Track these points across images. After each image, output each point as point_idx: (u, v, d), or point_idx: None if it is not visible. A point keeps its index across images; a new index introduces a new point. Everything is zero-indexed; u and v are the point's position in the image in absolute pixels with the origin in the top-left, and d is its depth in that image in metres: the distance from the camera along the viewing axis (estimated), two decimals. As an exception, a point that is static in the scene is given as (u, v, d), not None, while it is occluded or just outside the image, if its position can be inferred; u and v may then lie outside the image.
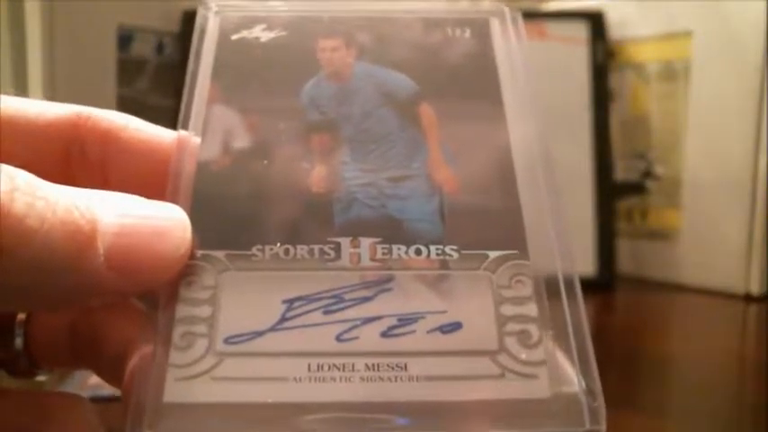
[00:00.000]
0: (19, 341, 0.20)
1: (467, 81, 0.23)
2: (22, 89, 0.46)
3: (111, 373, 0.19)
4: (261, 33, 0.23)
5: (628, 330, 0.45)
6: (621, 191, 0.57)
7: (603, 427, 0.16)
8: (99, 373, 0.21)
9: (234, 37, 0.23)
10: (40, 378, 0.22)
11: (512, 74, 0.22)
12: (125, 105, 0.51)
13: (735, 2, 0.50)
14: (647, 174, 0.56)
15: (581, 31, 0.55)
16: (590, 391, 0.17)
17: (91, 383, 0.30)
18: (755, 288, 0.50)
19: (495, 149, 0.21)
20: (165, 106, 0.53)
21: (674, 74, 0.54)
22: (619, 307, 0.52)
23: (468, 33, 0.24)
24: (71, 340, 0.20)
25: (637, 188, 0.56)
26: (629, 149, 0.57)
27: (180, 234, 0.18)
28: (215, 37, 0.23)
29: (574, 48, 0.55)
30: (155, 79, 0.53)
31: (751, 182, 0.50)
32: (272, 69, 0.23)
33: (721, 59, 0.51)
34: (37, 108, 0.20)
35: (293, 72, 0.22)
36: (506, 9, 0.24)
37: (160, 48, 0.54)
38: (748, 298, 0.50)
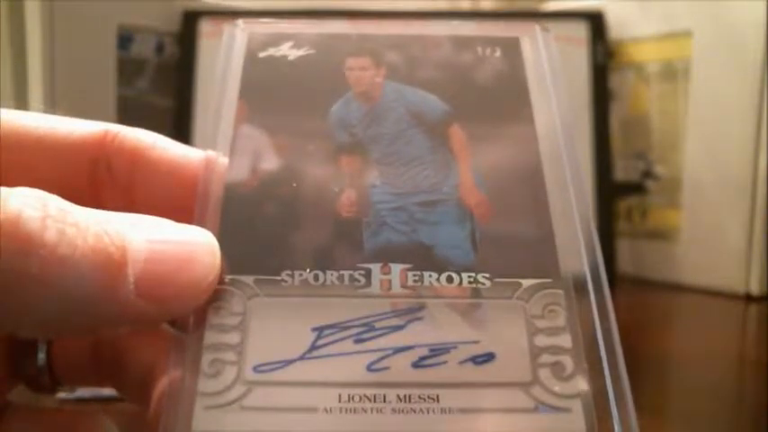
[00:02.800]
0: (42, 358, 0.20)
1: (498, 102, 0.22)
2: (21, 89, 0.46)
3: (136, 394, 0.19)
4: (288, 51, 0.23)
5: (627, 330, 0.45)
6: (621, 191, 0.57)
7: None
8: (122, 393, 0.20)
9: (261, 55, 0.23)
10: (62, 395, 0.22)
11: (543, 94, 0.22)
12: (125, 105, 0.51)
13: (735, 2, 0.50)
14: (647, 174, 0.56)
15: (581, 31, 0.55)
16: (626, 427, 0.16)
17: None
18: (755, 288, 0.50)
19: (526, 173, 0.20)
20: (165, 106, 0.53)
21: (673, 74, 0.54)
22: (619, 307, 0.52)
23: (498, 53, 0.23)
24: (94, 359, 0.20)
25: (637, 188, 0.56)
26: (629, 149, 0.57)
27: (209, 260, 0.17)
28: (242, 54, 0.23)
29: (574, 48, 0.55)
30: (155, 79, 0.53)
31: (751, 182, 0.50)
32: (300, 88, 0.22)
33: (721, 59, 0.51)
34: (66, 126, 0.20)
35: (321, 91, 0.22)
36: (537, 27, 0.23)
37: (160, 48, 0.54)
38: (748, 298, 0.50)
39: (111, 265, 0.16)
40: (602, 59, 0.55)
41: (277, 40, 0.23)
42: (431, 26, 0.24)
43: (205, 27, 0.54)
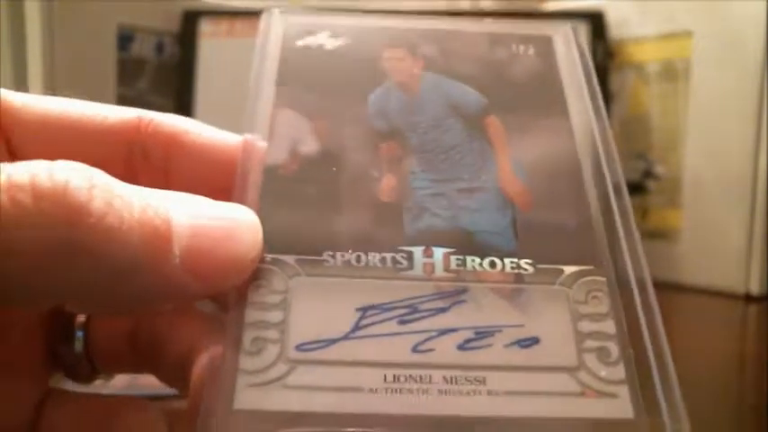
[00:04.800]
0: (79, 345, 0.20)
1: (533, 96, 0.22)
2: (22, 89, 0.46)
3: (174, 376, 0.19)
4: (325, 40, 0.23)
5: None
6: (622, 191, 0.57)
7: None
8: (160, 378, 0.20)
9: (299, 43, 0.23)
10: (100, 382, 0.22)
11: (576, 90, 0.22)
12: (125, 105, 0.51)
13: (735, 2, 0.50)
14: (647, 174, 0.56)
15: (581, 31, 0.55)
16: (673, 414, 0.16)
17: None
18: (755, 288, 0.50)
19: (564, 164, 0.21)
20: (165, 106, 0.53)
21: (674, 74, 0.54)
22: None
23: (531, 50, 0.23)
24: (132, 344, 0.20)
25: (637, 188, 0.56)
26: (629, 149, 0.57)
27: (251, 236, 0.17)
28: (279, 42, 0.23)
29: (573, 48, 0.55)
30: (155, 79, 0.53)
31: (751, 182, 0.50)
32: (338, 76, 0.22)
33: (721, 59, 0.51)
34: (101, 111, 0.20)
35: (359, 80, 0.22)
36: (569, 26, 0.24)
37: (160, 48, 0.54)
38: (748, 298, 0.50)
39: (157, 238, 0.16)
40: (602, 59, 0.55)
41: (314, 29, 0.23)
42: (465, 22, 0.24)
43: (205, 27, 0.54)
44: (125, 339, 0.20)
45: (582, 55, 0.23)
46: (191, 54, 0.53)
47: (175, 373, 0.19)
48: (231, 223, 0.17)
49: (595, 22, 0.56)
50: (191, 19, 0.54)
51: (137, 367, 0.21)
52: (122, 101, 0.50)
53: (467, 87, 0.22)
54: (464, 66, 0.23)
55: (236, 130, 0.21)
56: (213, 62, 0.53)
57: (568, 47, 0.23)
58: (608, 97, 0.56)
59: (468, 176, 0.20)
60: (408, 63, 0.23)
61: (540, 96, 0.22)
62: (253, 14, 0.55)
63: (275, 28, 0.23)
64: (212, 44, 0.53)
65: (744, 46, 0.50)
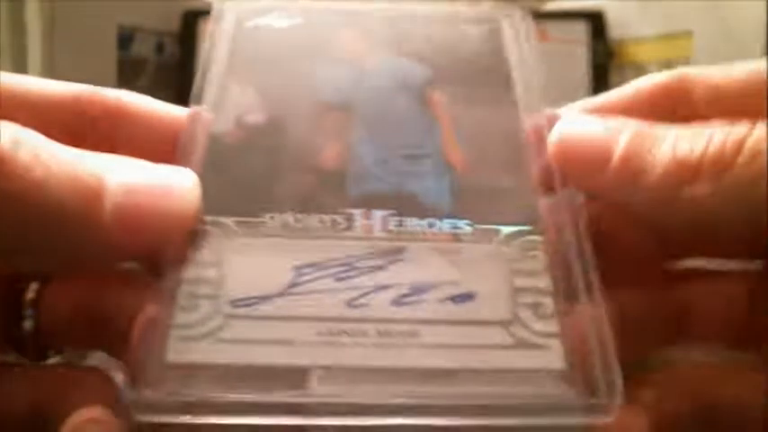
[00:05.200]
0: (29, 323, 0.20)
1: (478, 71, 0.23)
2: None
3: (122, 350, 0.19)
4: (277, 21, 0.24)
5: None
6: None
7: (619, 400, 0.16)
8: (111, 353, 0.20)
9: (250, 23, 0.24)
10: (52, 360, 0.22)
11: (522, 69, 0.23)
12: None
13: (735, 2, 0.50)
14: (648, 174, 0.56)
15: (581, 31, 0.55)
16: (605, 365, 0.17)
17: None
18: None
19: (506, 130, 0.21)
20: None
21: (674, 74, 0.54)
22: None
23: (479, 30, 0.24)
24: (83, 321, 0.20)
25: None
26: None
27: (188, 194, 0.18)
28: (231, 24, 0.23)
29: (574, 48, 0.55)
30: (155, 79, 0.53)
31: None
32: (288, 53, 0.23)
33: (721, 59, 0.51)
34: (43, 84, 0.20)
35: (308, 56, 0.23)
36: (518, 12, 0.25)
37: (160, 48, 0.54)
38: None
39: (87, 192, 0.16)
40: (602, 59, 0.55)
41: (265, 11, 0.24)
42: (417, 7, 0.25)
43: (205, 27, 0.54)
44: (76, 316, 0.20)
45: (528, 38, 0.24)
46: (191, 54, 0.53)
47: (124, 345, 0.19)
48: (167, 181, 0.17)
49: (595, 22, 0.55)
50: (191, 19, 0.54)
51: (88, 344, 0.21)
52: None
53: (413, 63, 0.23)
54: (412, 44, 0.24)
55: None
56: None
57: (516, 30, 0.24)
58: (608, 97, 0.56)
59: (412, 144, 0.21)
60: (358, 41, 0.24)
61: (485, 71, 0.23)
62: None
63: (227, 14, 0.24)
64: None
65: (744, 46, 0.50)
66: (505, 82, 0.23)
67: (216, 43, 0.23)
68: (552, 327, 0.17)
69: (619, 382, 0.16)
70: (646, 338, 0.19)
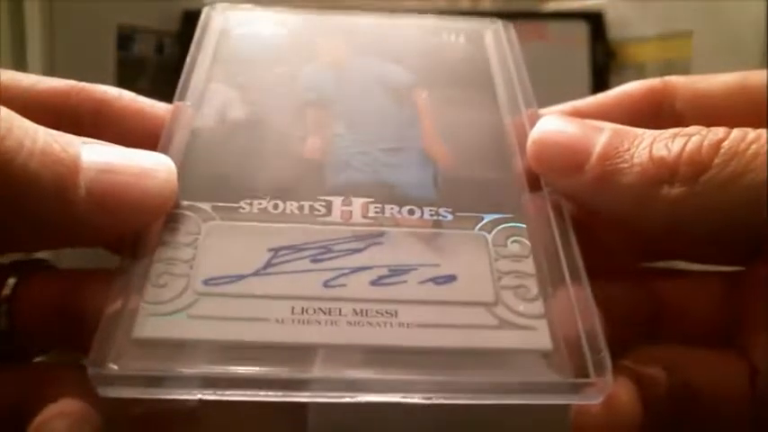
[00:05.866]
0: (4, 322, 0.20)
1: (461, 75, 0.24)
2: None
3: None
4: (262, 28, 0.24)
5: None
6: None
7: (610, 378, 0.16)
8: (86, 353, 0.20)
9: (236, 31, 0.24)
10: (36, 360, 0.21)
11: (504, 73, 0.23)
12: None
13: (735, 2, 0.50)
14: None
15: (581, 31, 0.55)
16: (593, 344, 0.16)
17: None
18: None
19: (489, 129, 0.21)
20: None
21: (674, 74, 0.54)
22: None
23: (462, 39, 0.25)
24: (59, 322, 0.20)
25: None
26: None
27: (164, 176, 0.18)
28: (217, 30, 0.24)
29: (573, 48, 0.55)
30: (155, 79, 0.53)
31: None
32: (271, 57, 0.23)
33: (721, 60, 0.51)
34: (30, 80, 0.20)
35: (291, 59, 0.23)
36: (500, 22, 0.25)
37: (160, 48, 0.54)
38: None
39: (60, 167, 0.16)
40: (602, 60, 0.55)
41: (251, 19, 0.25)
42: (402, 19, 0.26)
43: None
44: (51, 315, 0.20)
45: (512, 46, 0.24)
46: (191, 54, 0.53)
47: None
48: (144, 163, 0.17)
49: (595, 22, 0.55)
50: (191, 19, 0.54)
51: (64, 343, 0.21)
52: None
53: (396, 66, 0.23)
54: (395, 50, 0.24)
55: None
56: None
57: (498, 40, 0.25)
58: (608, 98, 0.56)
59: (393, 138, 0.21)
60: (341, 46, 0.24)
61: (468, 75, 0.24)
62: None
63: (215, 20, 0.24)
64: (212, 44, 0.53)
65: (744, 46, 0.50)
66: (488, 85, 0.23)
67: (201, 45, 0.23)
68: (537, 308, 0.17)
69: (608, 360, 0.16)
70: (621, 335, 0.19)
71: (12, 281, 0.20)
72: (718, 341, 0.20)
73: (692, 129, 0.18)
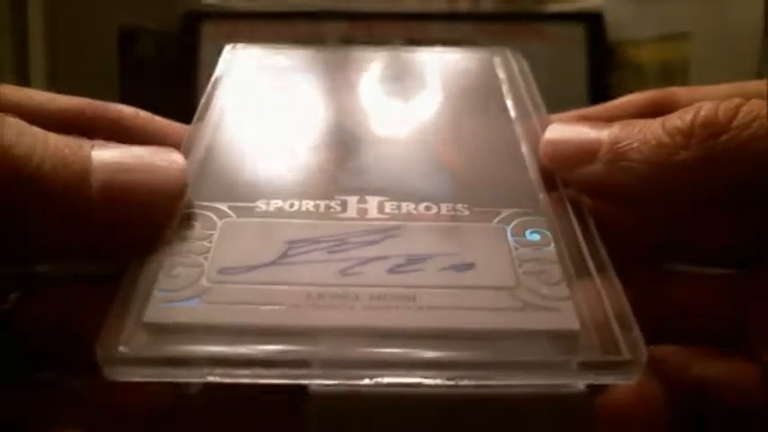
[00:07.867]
0: (4, 336, 0.20)
1: (472, 95, 0.25)
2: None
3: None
4: (280, 61, 0.26)
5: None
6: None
7: (644, 356, 0.15)
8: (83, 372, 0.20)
9: (255, 66, 0.25)
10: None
11: (516, 93, 0.24)
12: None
13: (732, 4, 0.51)
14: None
15: (579, 32, 0.55)
16: (623, 323, 0.16)
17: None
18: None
19: (501, 139, 0.22)
20: (166, 108, 0.53)
21: (672, 75, 0.54)
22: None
23: (473, 64, 0.26)
24: (59, 339, 0.19)
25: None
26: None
27: (177, 173, 0.18)
28: (239, 65, 0.25)
29: (572, 49, 0.55)
30: (156, 81, 0.54)
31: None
32: (290, 88, 0.25)
33: (719, 61, 0.52)
34: (45, 97, 0.20)
35: (311, 91, 0.24)
36: (508, 50, 0.26)
37: (161, 49, 0.54)
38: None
39: (74, 167, 0.16)
40: (600, 61, 0.55)
41: (271, 55, 0.26)
42: (414, 52, 0.28)
43: (207, 29, 0.54)
44: (51, 332, 0.19)
45: (521, 70, 0.25)
46: (192, 56, 0.54)
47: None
48: (156, 161, 0.18)
49: (593, 23, 0.56)
50: (192, 21, 0.54)
51: (63, 362, 0.20)
52: (123, 102, 0.51)
53: (407, 90, 0.25)
54: (407, 77, 0.26)
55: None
56: (214, 64, 0.54)
57: (508, 65, 0.26)
58: (607, 99, 0.56)
59: (408, 150, 0.22)
60: (355, 75, 0.26)
61: (479, 95, 0.24)
62: (255, 17, 0.56)
63: (236, 57, 0.26)
64: (214, 46, 0.54)
65: (741, 48, 0.50)
66: (499, 102, 0.24)
67: (221, 80, 0.24)
68: (562, 291, 0.16)
69: (640, 337, 0.15)
70: None
71: (13, 296, 0.20)
72: (727, 341, 0.20)
73: (703, 103, 0.18)
